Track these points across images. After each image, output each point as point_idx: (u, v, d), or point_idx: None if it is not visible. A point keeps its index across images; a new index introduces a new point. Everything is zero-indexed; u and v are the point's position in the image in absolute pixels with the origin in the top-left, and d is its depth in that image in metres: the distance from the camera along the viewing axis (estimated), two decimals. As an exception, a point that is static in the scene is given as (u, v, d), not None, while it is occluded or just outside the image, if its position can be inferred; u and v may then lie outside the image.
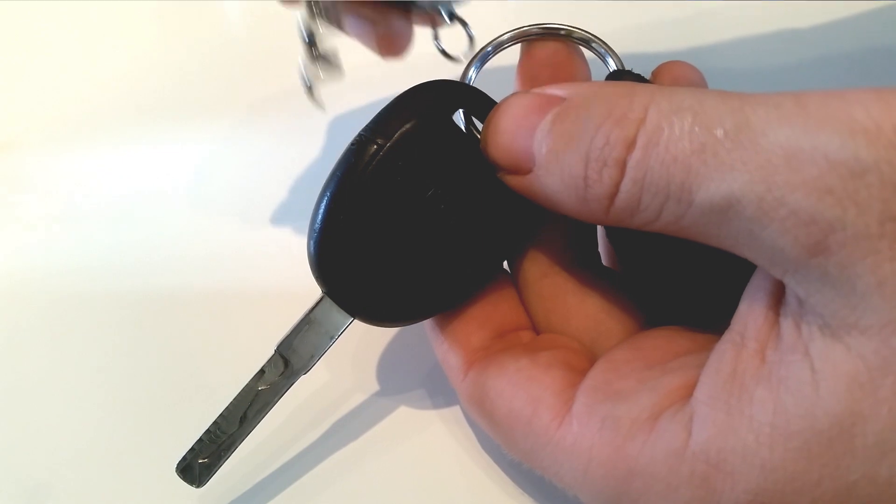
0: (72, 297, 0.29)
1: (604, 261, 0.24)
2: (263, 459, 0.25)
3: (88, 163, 0.33)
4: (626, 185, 0.17)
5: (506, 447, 0.20)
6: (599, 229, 0.24)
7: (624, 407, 0.18)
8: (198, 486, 0.22)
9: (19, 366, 0.28)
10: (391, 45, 0.26)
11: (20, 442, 0.26)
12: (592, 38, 0.23)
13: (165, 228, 0.31)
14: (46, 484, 0.25)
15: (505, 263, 0.23)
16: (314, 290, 0.22)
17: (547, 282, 0.22)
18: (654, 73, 0.22)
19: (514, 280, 0.23)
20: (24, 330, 0.28)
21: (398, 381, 0.26)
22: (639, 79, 0.22)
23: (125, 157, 0.33)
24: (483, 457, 0.24)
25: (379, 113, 0.21)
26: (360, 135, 0.21)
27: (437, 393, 0.26)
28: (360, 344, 0.27)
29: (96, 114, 0.35)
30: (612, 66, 0.23)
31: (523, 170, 0.19)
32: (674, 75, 0.22)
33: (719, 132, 0.15)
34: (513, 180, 0.20)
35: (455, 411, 0.26)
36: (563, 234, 0.22)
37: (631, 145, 0.16)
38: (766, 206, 0.15)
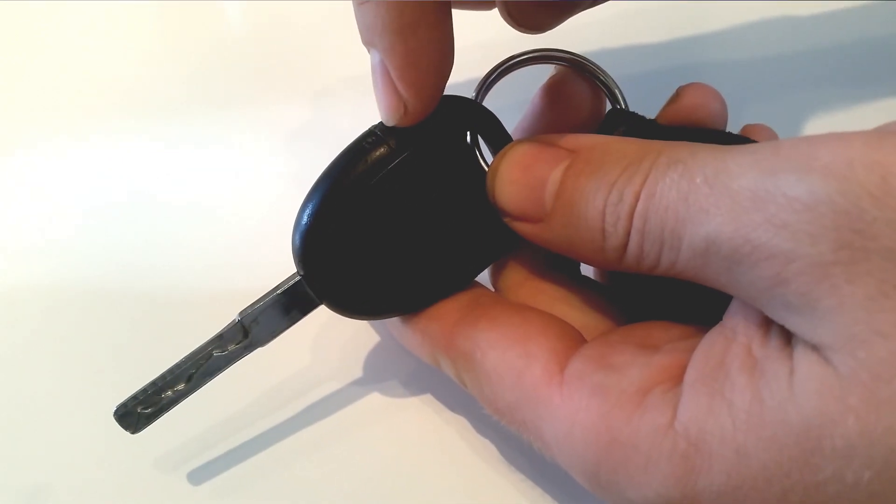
0: (72, 297, 0.29)
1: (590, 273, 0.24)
2: (238, 434, 0.26)
3: (88, 163, 0.33)
4: (632, 235, 0.18)
5: (490, 402, 0.21)
6: None
7: (615, 378, 0.18)
8: (133, 433, 0.22)
9: (19, 366, 0.28)
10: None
11: (20, 443, 0.26)
12: (602, 71, 0.23)
13: (165, 229, 0.31)
14: (46, 485, 0.25)
15: (486, 272, 0.24)
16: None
17: (527, 285, 0.23)
18: (674, 96, 0.23)
19: (494, 286, 0.24)
20: (23, 331, 0.29)
21: (376, 370, 0.27)
22: (639, 119, 0.22)
23: (124, 158, 0.33)
24: (453, 440, 0.25)
25: None
26: (373, 132, 0.21)
27: (412, 383, 0.27)
28: (341, 331, 0.28)
29: (96, 114, 0.35)
30: (613, 92, 0.23)
31: (532, 219, 0.20)
32: (693, 102, 0.22)
33: (699, 179, 0.16)
34: (521, 227, 0.21)
35: (427, 400, 0.26)
36: None
37: (638, 198, 0.17)
38: (734, 244, 0.16)
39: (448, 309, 0.22)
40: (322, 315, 0.23)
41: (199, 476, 0.25)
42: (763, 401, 0.16)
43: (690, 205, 0.16)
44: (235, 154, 0.34)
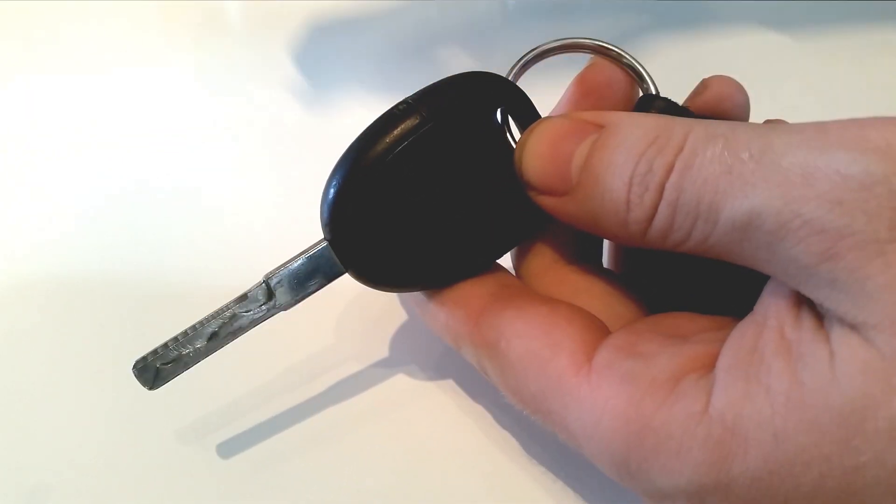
0: (72, 296, 0.29)
1: (605, 263, 0.24)
2: (255, 413, 0.25)
3: (87, 162, 0.33)
4: (662, 207, 0.18)
5: (513, 392, 0.20)
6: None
7: (645, 366, 0.18)
8: (150, 388, 0.22)
9: (18, 366, 0.27)
10: None
11: (20, 442, 0.25)
12: (634, 59, 0.23)
13: (165, 227, 0.31)
14: (46, 485, 0.24)
15: (509, 259, 0.23)
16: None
17: (551, 274, 0.22)
18: (700, 87, 0.23)
19: (517, 273, 0.23)
20: (23, 328, 0.28)
21: (398, 354, 0.27)
22: (671, 104, 0.22)
23: (124, 157, 0.33)
24: (470, 424, 0.25)
25: (428, 87, 0.21)
26: (405, 101, 0.21)
27: (430, 367, 0.27)
28: (362, 312, 0.28)
29: (96, 114, 0.35)
30: (645, 80, 0.23)
31: (558, 192, 0.20)
32: (719, 93, 0.22)
33: (745, 155, 0.16)
34: (546, 201, 0.21)
35: (447, 384, 0.26)
36: (568, 230, 0.22)
37: (671, 170, 0.17)
38: (782, 219, 0.16)
39: (474, 294, 0.22)
40: (343, 296, 0.22)
41: (224, 450, 0.25)
42: (803, 384, 0.15)
43: (734, 178, 0.16)
44: (235, 153, 0.33)
